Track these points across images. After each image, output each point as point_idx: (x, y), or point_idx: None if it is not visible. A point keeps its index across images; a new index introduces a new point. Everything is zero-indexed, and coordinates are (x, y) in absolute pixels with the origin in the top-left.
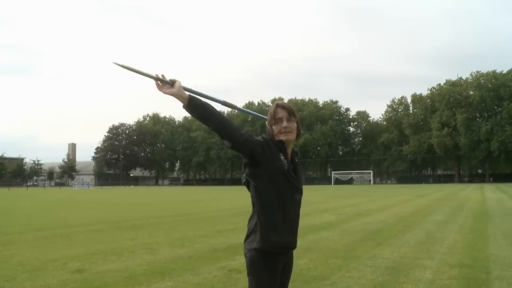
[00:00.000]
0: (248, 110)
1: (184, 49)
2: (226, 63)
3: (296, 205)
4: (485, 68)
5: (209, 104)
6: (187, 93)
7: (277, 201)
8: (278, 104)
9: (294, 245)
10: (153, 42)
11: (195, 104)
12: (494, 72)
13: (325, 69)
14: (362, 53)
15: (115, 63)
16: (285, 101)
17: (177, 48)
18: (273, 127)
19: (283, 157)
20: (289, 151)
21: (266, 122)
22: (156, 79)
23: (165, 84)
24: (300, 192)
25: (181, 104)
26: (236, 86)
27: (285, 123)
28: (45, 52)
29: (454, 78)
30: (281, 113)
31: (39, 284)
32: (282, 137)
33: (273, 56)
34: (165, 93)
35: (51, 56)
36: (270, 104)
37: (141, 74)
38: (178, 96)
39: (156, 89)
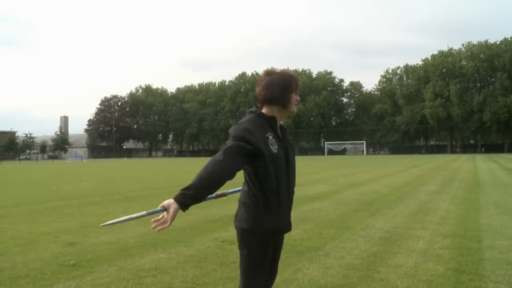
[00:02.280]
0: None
1: (179, 22)
2: (222, 34)
3: (290, 186)
4: (476, 38)
5: (195, 188)
6: (174, 201)
7: (273, 186)
8: (297, 77)
9: (288, 229)
10: (147, 14)
11: (188, 203)
12: (486, 42)
13: (319, 40)
14: (356, 23)
15: (103, 225)
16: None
17: (172, 20)
18: (293, 95)
19: (271, 135)
20: (279, 125)
21: (280, 88)
22: (148, 214)
23: (161, 214)
24: (294, 172)
25: (173, 79)
26: (230, 57)
27: (298, 96)
28: (37, 25)
29: (446, 48)
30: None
31: (31, 257)
32: (294, 108)
33: (267, 26)
34: (172, 220)
35: (43, 28)
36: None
37: (133, 219)
38: (177, 211)
39: (160, 227)
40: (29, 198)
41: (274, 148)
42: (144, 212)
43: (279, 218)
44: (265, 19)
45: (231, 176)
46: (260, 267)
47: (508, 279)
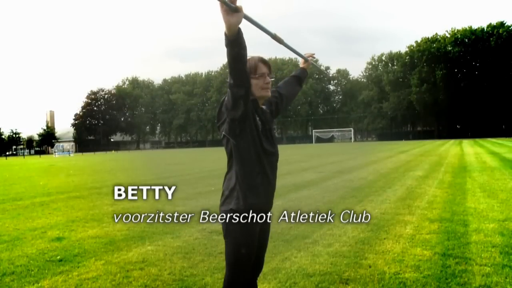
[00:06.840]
0: (294, 49)
1: (163, 10)
2: (205, 22)
3: (273, 167)
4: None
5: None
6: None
7: (257, 162)
8: (261, 59)
9: (270, 208)
10: (133, 5)
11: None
12: (470, 28)
13: (305, 27)
14: (342, 10)
15: None
16: None
17: (155, 9)
18: (253, 82)
19: (258, 117)
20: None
21: None
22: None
23: (228, 8)
24: (276, 154)
25: (160, 70)
26: (216, 46)
27: (267, 79)
28: (21, 17)
29: (430, 34)
30: (264, 69)
31: (17, 254)
32: (263, 93)
33: (253, 13)
34: (229, 20)
35: (27, 21)
36: None
37: None
38: (237, 24)
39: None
40: (15, 194)
41: (259, 126)
42: None
43: (263, 197)
44: (250, 4)
45: (247, 84)
46: (246, 255)
47: (493, 262)
